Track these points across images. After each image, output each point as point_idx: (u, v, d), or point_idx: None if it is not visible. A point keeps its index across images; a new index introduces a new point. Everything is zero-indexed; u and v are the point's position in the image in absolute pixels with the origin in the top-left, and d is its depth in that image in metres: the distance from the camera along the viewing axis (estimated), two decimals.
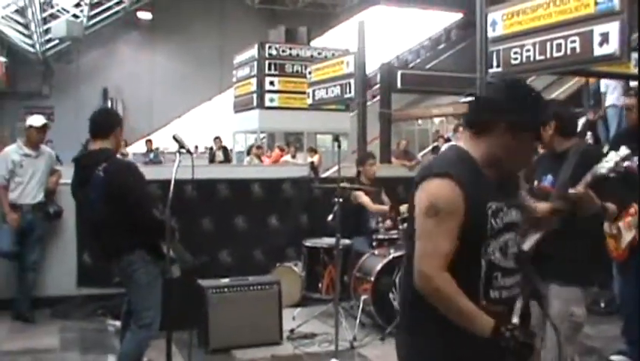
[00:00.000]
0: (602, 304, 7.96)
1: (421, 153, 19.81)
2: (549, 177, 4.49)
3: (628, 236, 5.67)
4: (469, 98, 16.53)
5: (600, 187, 4.17)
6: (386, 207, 8.14)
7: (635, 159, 4.42)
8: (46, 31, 27.58)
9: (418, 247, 2.77)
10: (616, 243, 5.81)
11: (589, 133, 15.94)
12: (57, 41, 28.90)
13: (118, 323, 6.76)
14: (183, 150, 4.81)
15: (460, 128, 14.15)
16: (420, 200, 2.80)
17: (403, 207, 7.42)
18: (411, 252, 2.84)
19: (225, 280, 6.88)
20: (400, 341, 3.08)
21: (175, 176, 4.59)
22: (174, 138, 4.89)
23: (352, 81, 14.73)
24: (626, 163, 4.13)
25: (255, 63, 22.46)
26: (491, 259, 2.78)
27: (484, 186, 2.79)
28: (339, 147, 6.54)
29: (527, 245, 4.10)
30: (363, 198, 8.01)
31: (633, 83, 12.28)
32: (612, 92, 15.74)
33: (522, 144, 2.83)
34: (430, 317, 2.75)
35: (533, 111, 2.84)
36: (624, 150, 4.13)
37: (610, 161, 4.11)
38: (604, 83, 14.91)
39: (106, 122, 5.43)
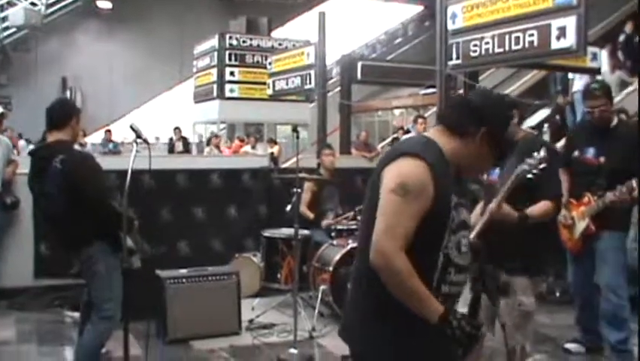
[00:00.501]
0: (558, 294, 8.10)
1: (381, 145, 19.84)
2: (496, 171, 4.55)
3: (581, 226, 5.77)
4: (431, 90, 16.67)
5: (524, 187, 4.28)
6: (310, 216, 8.14)
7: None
8: (4, 19, 27.24)
9: (380, 223, 2.70)
10: (569, 233, 5.91)
11: (557, 117, 16.25)
12: (15, 30, 28.51)
13: (76, 315, 6.73)
14: (140, 140, 4.77)
15: (420, 120, 14.21)
16: (389, 177, 2.73)
17: None
18: (366, 233, 2.80)
19: (184, 271, 6.86)
20: (349, 321, 3.04)
21: (132, 166, 4.55)
22: (131, 127, 4.85)
23: (312, 72, 14.71)
24: (542, 165, 4.23)
25: (216, 53, 22.34)
26: (449, 253, 2.78)
27: (450, 178, 2.80)
28: (297, 137, 6.55)
29: (471, 235, 4.15)
30: (303, 195, 7.99)
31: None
32: (580, 78, 16.07)
33: (488, 154, 2.88)
34: (381, 297, 2.71)
35: (510, 128, 2.94)
36: (543, 153, 4.23)
37: (530, 163, 4.21)
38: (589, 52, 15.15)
39: (61, 114, 5.37)
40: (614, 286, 5.72)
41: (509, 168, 4.44)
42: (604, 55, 17.47)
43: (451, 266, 2.80)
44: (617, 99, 16.73)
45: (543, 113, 19.00)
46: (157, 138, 24.70)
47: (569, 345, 6.44)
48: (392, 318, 2.75)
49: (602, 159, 5.69)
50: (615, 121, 5.88)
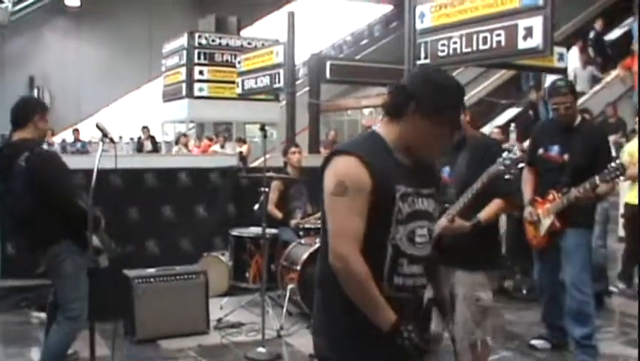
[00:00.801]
0: (524, 291, 8.17)
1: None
2: (446, 169, 4.58)
3: (546, 223, 5.83)
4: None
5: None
6: (279, 215, 8.11)
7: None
8: None
9: (332, 226, 2.75)
10: (535, 230, 5.97)
11: (530, 112, 16.45)
12: None
13: (42, 315, 6.69)
14: (107, 139, 4.76)
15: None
16: (327, 180, 2.77)
17: None
18: (323, 237, 2.85)
19: (151, 270, 6.84)
20: (314, 320, 3.10)
21: (98, 165, 4.54)
22: (97, 126, 4.83)
23: (281, 71, 14.73)
24: (520, 165, 4.27)
25: (185, 52, 22.22)
26: (398, 244, 2.77)
27: (393, 168, 2.78)
28: (264, 136, 6.55)
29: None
30: (271, 195, 7.95)
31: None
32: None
33: (432, 130, 2.78)
34: (339, 296, 2.75)
35: (444, 97, 2.78)
36: (517, 152, 4.28)
37: (504, 162, 4.25)
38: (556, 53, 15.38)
39: (23, 112, 5.36)
40: (578, 282, 5.79)
41: (460, 165, 4.49)
42: (575, 51, 17.78)
43: (401, 257, 2.78)
44: (588, 94, 17.05)
45: (511, 112, 19.20)
46: (120, 137, 24.54)
47: (534, 341, 6.51)
48: (352, 321, 2.76)
49: (566, 157, 5.75)
50: (579, 119, 5.94)
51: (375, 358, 2.79)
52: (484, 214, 4.49)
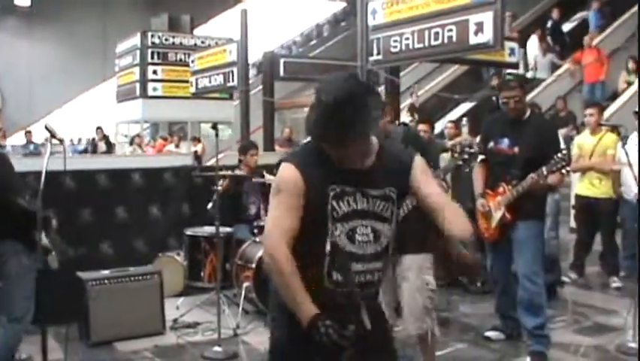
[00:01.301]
0: (479, 284, 8.24)
1: (305, 141, 19.92)
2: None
3: (497, 216, 5.90)
4: None
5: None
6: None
7: None
8: None
9: (266, 223, 2.99)
10: (487, 223, 6.03)
11: (493, 99, 16.66)
12: None
13: None
14: (55, 140, 4.72)
15: None
16: (272, 185, 3.03)
17: None
18: None
19: (105, 272, 6.78)
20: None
21: (46, 166, 4.50)
22: (46, 127, 4.80)
23: (235, 70, 14.69)
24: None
25: (138, 52, 22.07)
26: (336, 241, 2.87)
27: (328, 171, 2.87)
28: (216, 135, 6.53)
29: None
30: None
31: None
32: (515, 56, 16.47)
33: (349, 150, 2.85)
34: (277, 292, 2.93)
35: (355, 121, 2.77)
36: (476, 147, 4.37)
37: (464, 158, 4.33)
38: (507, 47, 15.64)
39: None
40: (530, 273, 5.85)
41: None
42: (534, 40, 18.11)
43: (340, 254, 2.87)
44: (548, 81, 17.27)
45: (465, 106, 19.38)
46: (79, 139, 24.29)
47: (489, 333, 6.58)
48: (285, 311, 2.89)
49: (516, 149, 5.82)
50: (529, 112, 6.01)
51: (305, 341, 2.80)
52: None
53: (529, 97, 15.88)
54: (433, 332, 4.86)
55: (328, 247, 2.87)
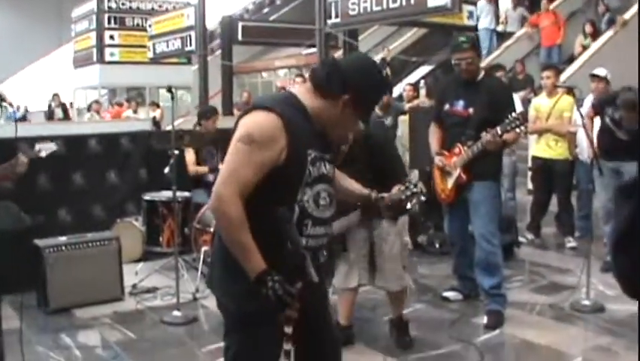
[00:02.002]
0: (437, 245, 8.31)
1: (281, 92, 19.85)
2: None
3: (453, 176, 5.93)
4: (313, 49, 16.74)
5: None
6: (205, 170, 8.05)
7: None
8: None
9: (223, 170, 2.75)
10: (443, 184, 6.07)
11: None
12: None
13: None
14: (5, 104, 4.65)
15: (299, 79, 14.15)
16: (239, 129, 2.76)
17: None
18: None
19: (63, 239, 6.72)
20: (207, 275, 3.21)
21: None
22: None
23: (193, 34, 14.58)
24: None
25: (94, 16, 21.82)
26: (305, 205, 2.81)
27: (308, 133, 2.80)
28: (172, 98, 6.48)
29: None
30: (188, 157, 7.94)
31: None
32: (485, 16, 16.59)
33: (353, 118, 2.92)
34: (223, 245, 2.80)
35: (377, 97, 3.01)
36: None
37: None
38: (478, 6, 15.75)
39: None
40: (486, 234, 5.90)
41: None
42: None
43: (307, 219, 2.83)
44: (517, 34, 17.34)
45: (423, 70, 19.40)
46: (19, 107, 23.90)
47: (447, 293, 6.65)
48: (232, 264, 2.76)
49: (470, 110, 5.85)
50: (482, 74, 6.04)
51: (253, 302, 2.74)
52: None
53: (493, 55, 16.00)
54: (410, 285, 5.03)
55: (297, 211, 2.79)
